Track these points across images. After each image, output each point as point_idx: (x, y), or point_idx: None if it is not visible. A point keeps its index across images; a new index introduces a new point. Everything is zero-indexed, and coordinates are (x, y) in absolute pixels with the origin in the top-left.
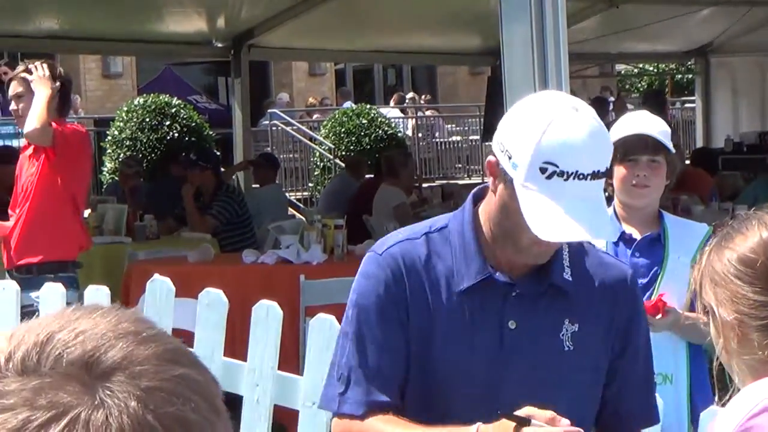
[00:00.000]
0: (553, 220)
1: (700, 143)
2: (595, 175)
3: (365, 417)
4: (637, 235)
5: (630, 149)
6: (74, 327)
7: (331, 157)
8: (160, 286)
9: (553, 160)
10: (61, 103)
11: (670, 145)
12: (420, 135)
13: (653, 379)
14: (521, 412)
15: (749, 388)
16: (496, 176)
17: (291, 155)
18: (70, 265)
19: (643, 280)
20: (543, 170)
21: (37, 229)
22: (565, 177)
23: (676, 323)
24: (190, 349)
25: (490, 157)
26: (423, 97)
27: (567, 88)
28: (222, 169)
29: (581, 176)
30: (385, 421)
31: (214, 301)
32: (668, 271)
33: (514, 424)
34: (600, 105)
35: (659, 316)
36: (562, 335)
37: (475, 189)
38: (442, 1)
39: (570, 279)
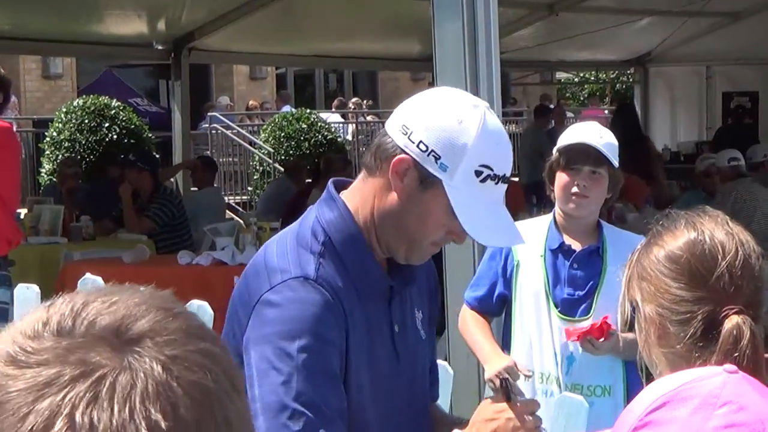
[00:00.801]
0: (488, 225)
1: None
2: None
3: None
4: (576, 246)
5: (573, 158)
6: (109, 298)
7: (271, 161)
8: (91, 285)
9: (488, 162)
10: None
11: (613, 159)
12: (360, 140)
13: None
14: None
15: (655, 383)
16: (404, 176)
17: (231, 159)
18: (0, 261)
19: (580, 292)
20: (478, 173)
21: None
22: (496, 180)
23: (616, 346)
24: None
25: (401, 156)
26: (365, 102)
27: (498, 92)
28: (160, 170)
29: (505, 179)
30: None
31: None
32: (606, 283)
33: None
34: (542, 112)
35: (602, 339)
36: (418, 325)
37: (332, 182)
38: (384, 6)
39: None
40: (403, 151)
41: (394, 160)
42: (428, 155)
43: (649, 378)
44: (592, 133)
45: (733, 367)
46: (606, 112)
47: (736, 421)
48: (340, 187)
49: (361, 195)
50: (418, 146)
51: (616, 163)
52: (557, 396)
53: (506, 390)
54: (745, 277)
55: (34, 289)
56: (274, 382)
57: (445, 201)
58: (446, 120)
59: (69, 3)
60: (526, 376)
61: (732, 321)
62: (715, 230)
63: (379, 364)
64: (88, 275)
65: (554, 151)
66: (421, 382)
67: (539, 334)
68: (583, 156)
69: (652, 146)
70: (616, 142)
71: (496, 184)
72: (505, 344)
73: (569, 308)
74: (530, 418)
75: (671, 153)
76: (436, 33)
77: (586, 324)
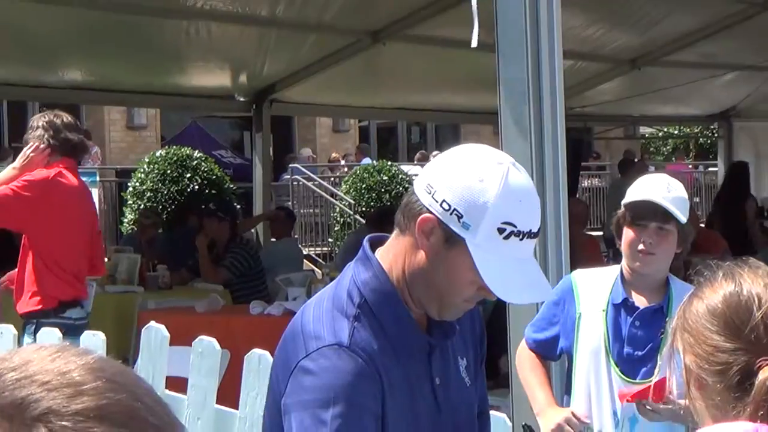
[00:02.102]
0: (514, 281)
1: None
2: (539, 232)
3: None
4: (640, 303)
5: (639, 214)
6: (25, 369)
7: (352, 212)
8: (155, 334)
9: (511, 220)
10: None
11: (679, 214)
12: None
13: None
14: None
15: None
16: (430, 235)
17: (311, 210)
18: (52, 313)
19: (639, 352)
20: (501, 231)
21: (18, 283)
22: (521, 237)
23: (675, 411)
24: (149, 405)
25: (426, 215)
26: None
27: (562, 146)
28: (239, 221)
29: (532, 234)
30: None
31: (207, 349)
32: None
33: None
34: (626, 166)
35: (660, 403)
36: (462, 373)
37: (368, 240)
38: (467, 59)
39: None
40: (429, 210)
41: (420, 219)
42: (451, 214)
43: None
44: (659, 187)
45: (752, 426)
46: (690, 166)
47: None
48: (377, 244)
49: (394, 253)
50: (441, 205)
51: (683, 219)
52: None
53: None
54: None
55: (100, 336)
56: None
57: (470, 259)
58: (468, 178)
59: (153, 55)
60: (584, 423)
61: (765, 372)
62: (754, 282)
63: (420, 420)
64: (152, 324)
65: (622, 204)
66: (468, 428)
67: (598, 391)
68: (649, 212)
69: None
70: (685, 195)
71: (521, 240)
72: (567, 391)
73: (630, 368)
74: None
75: (757, 208)
76: (501, 88)
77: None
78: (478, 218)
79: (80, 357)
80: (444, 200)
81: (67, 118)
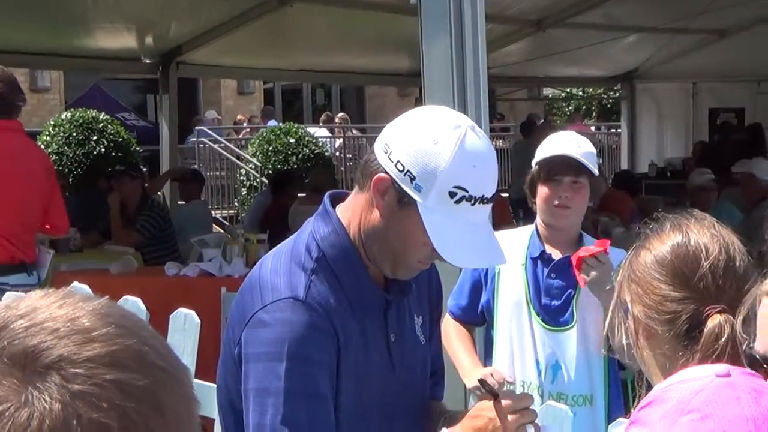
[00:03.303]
0: (464, 245)
1: (625, 168)
2: (493, 198)
3: None
4: (556, 256)
5: (553, 169)
6: (33, 317)
7: (258, 175)
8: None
9: (463, 184)
10: None
11: (593, 167)
12: (346, 154)
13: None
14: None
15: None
16: (384, 194)
17: (218, 173)
18: None
19: (557, 302)
20: (452, 194)
21: None
22: (472, 202)
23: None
24: (157, 349)
25: (381, 175)
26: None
27: (485, 109)
28: (146, 184)
29: (485, 200)
30: None
31: (132, 308)
32: (582, 293)
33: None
34: (529, 127)
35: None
36: (417, 331)
37: (328, 195)
38: (372, 22)
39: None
40: (384, 170)
41: (375, 178)
42: (405, 175)
43: (633, 386)
44: (570, 143)
45: (725, 370)
46: (592, 128)
47: (698, 430)
48: (337, 200)
49: (352, 210)
50: (396, 166)
51: (596, 171)
52: (538, 405)
53: (491, 389)
54: (729, 277)
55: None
56: (262, 402)
57: (422, 221)
58: (423, 141)
59: (57, 16)
60: (508, 382)
61: (714, 320)
62: (701, 233)
63: (372, 375)
64: (76, 283)
65: (533, 163)
66: (422, 386)
67: (520, 342)
68: (563, 167)
69: None
70: (594, 150)
71: (473, 205)
72: (488, 353)
73: (551, 318)
74: (514, 416)
75: (658, 169)
76: (424, 49)
77: (569, 332)
78: (430, 181)
79: (87, 303)
80: (399, 161)
81: None
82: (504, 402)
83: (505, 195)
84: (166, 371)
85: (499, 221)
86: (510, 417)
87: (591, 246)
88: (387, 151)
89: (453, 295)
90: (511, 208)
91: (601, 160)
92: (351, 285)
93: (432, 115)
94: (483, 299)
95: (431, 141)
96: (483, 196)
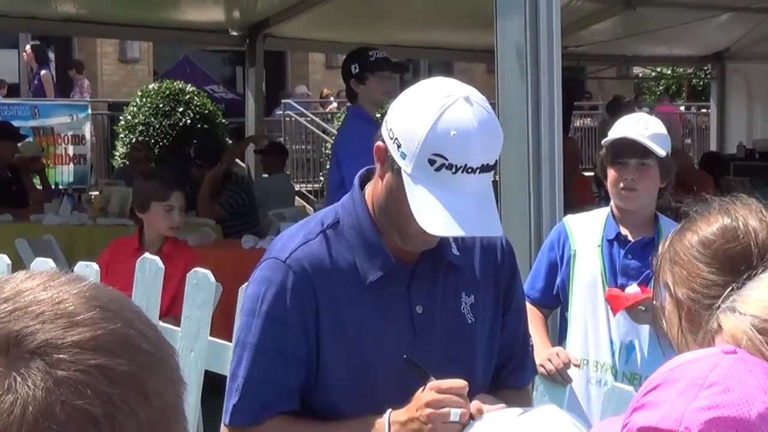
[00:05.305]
0: (440, 214)
1: (714, 149)
2: (484, 168)
3: (260, 424)
4: (632, 237)
5: (619, 152)
6: (17, 300)
7: None
8: (149, 264)
9: (441, 152)
10: None
11: (657, 148)
12: None
13: (530, 341)
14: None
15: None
16: (383, 162)
17: (304, 146)
18: None
19: (633, 283)
20: (432, 162)
21: None
22: (453, 170)
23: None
24: (143, 332)
25: (379, 143)
26: None
27: (558, 86)
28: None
29: (470, 170)
30: (284, 422)
31: (201, 281)
32: None
33: (423, 400)
34: (615, 106)
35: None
36: (463, 309)
37: (361, 171)
38: None
39: (458, 253)
40: (382, 138)
41: (375, 145)
42: (393, 143)
43: None
44: (636, 125)
45: (731, 347)
46: (682, 108)
47: (721, 402)
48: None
49: (374, 181)
50: (389, 134)
51: (662, 152)
52: (611, 384)
53: (420, 371)
54: None
55: (94, 267)
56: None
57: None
58: (410, 109)
59: None
60: (574, 365)
61: None
62: (749, 217)
63: (386, 342)
64: (146, 255)
65: (603, 145)
66: (467, 363)
67: (594, 322)
68: (628, 149)
69: None
70: (663, 131)
71: (454, 173)
72: (561, 334)
73: None
74: (435, 398)
75: (746, 150)
76: (498, 25)
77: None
78: (412, 148)
79: (72, 285)
80: (391, 129)
81: None
82: (444, 383)
83: (589, 174)
84: (151, 354)
85: (582, 200)
86: (428, 398)
87: (631, 292)
88: (387, 120)
89: (530, 277)
90: (596, 187)
91: (689, 141)
92: (363, 252)
93: (428, 85)
94: (557, 280)
95: (417, 109)
96: (466, 165)
